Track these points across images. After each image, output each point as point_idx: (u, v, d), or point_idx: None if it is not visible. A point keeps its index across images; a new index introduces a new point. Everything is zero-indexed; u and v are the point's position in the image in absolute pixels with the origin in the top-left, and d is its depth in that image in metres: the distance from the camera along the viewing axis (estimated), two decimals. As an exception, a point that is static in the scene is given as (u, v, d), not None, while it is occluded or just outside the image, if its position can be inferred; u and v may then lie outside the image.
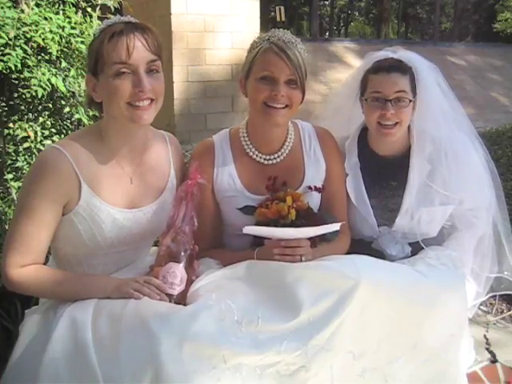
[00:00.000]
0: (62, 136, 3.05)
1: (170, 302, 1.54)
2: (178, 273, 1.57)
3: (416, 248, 2.00)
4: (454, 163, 1.99)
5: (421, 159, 2.00)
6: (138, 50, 1.54)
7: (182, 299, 1.58)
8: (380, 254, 1.90)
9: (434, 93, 2.03)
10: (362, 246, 1.95)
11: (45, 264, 1.66)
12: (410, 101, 1.93)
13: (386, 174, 2.05)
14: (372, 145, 2.07)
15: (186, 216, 1.64)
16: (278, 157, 1.92)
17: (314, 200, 1.88)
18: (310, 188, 1.87)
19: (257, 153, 1.91)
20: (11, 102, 2.94)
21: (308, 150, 1.95)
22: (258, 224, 1.75)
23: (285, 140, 1.92)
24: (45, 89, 2.74)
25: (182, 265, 1.59)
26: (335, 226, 1.70)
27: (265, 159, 1.91)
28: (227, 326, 1.43)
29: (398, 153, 2.05)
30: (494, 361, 2.10)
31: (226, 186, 1.89)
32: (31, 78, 2.73)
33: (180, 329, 1.38)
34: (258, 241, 1.76)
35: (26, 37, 2.74)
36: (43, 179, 1.55)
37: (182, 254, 1.60)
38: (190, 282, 1.62)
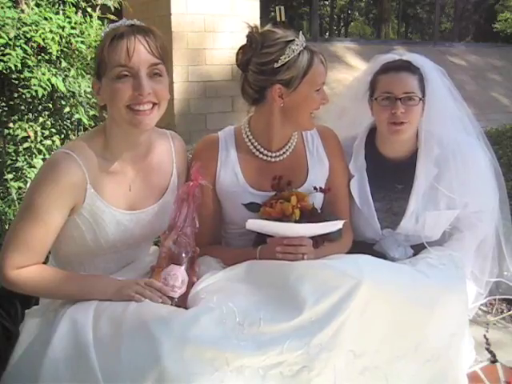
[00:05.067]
0: (62, 136, 3.05)
1: (171, 304, 1.54)
2: (179, 275, 1.57)
3: (418, 250, 1.99)
4: (461, 166, 1.98)
5: (427, 162, 1.99)
6: (139, 52, 1.52)
7: (183, 302, 1.57)
8: (382, 257, 1.89)
9: (441, 94, 2.02)
10: (364, 247, 1.93)
11: (45, 263, 1.64)
12: (420, 99, 1.93)
13: (392, 177, 2.04)
14: (380, 146, 2.06)
15: (188, 218, 1.63)
16: (281, 154, 1.91)
17: (316, 200, 1.88)
18: (315, 189, 1.86)
19: (261, 150, 1.91)
20: (11, 102, 2.94)
21: (311, 149, 1.95)
22: None
23: (289, 138, 1.92)
24: (45, 89, 2.74)
25: (183, 267, 1.59)
26: (338, 224, 1.70)
27: (268, 156, 1.91)
28: (229, 328, 1.43)
29: (405, 155, 2.04)
30: (494, 361, 2.09)
31: (229, 181, 1.88)
32: (31, 77, 2.73)
33: (181, 332, 1.38)
34: (260, 239, 1.76)
35: (25, 37, 2.74)
36: (55, 184, 1.53)
37: (184, 256, 1.60)
38: (191, 284, 1.61)
